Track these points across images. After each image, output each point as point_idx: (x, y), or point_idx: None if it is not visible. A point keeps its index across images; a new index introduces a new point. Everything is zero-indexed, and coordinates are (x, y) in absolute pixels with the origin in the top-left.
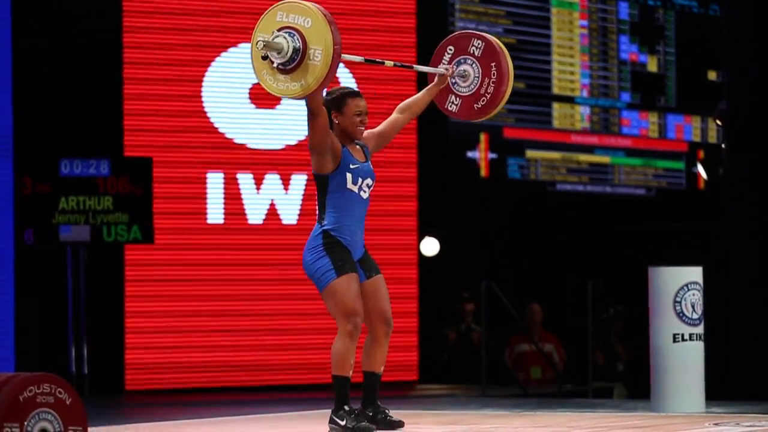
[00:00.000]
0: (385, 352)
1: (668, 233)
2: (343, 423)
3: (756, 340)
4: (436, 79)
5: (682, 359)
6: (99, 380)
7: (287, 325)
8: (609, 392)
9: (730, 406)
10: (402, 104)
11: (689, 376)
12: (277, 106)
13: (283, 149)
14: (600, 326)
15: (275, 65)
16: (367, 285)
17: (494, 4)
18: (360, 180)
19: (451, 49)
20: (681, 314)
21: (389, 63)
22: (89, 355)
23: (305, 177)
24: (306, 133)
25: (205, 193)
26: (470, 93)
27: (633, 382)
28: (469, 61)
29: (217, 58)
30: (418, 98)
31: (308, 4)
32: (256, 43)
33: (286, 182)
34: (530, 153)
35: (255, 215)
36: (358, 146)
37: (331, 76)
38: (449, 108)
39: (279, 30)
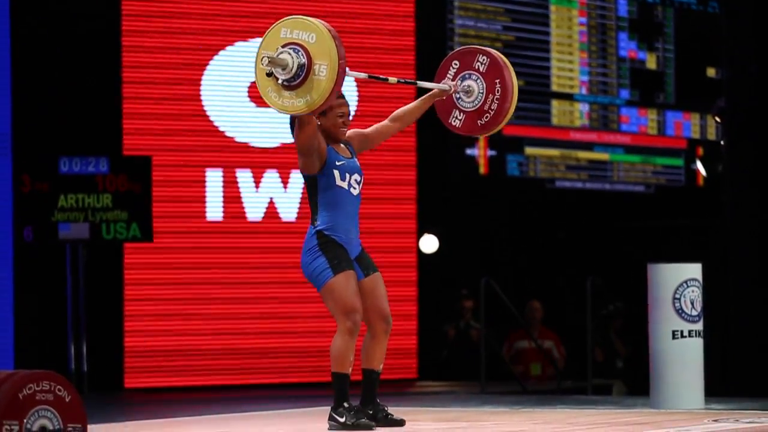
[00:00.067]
0: (384, 349)
1: (667, 230)
2: (342, 420)
3: (755, 336)
4: (434, 90)
5: (681, 356)
6: (98, 377)
7: (286, 324)
8: (608, 389)
9: (729, 402)
10: (395, 113)
11: (688, 372)
12: None
13: (281, 147)
14: (599, 323)
15: (280, 82)
16: (365, 283)
17: (493, 1)
18: (348, 176)
19: (456, 64)
20: (680, 311)
21: (393, 80)
22: (88, 353)
23: None
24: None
25: (205, 192)
26: (474, 109)
27: (632, 378)
28: (473, 77)
29: (216, 57)
30: (412, 109)
31: (312, 19)
32: (261, 60)
33: (285, 180)
34: (529, 150)
35: (254, 213)
36: (342, 144)
37: (336, 91)
38: (453, 123)
39: (283, 46)
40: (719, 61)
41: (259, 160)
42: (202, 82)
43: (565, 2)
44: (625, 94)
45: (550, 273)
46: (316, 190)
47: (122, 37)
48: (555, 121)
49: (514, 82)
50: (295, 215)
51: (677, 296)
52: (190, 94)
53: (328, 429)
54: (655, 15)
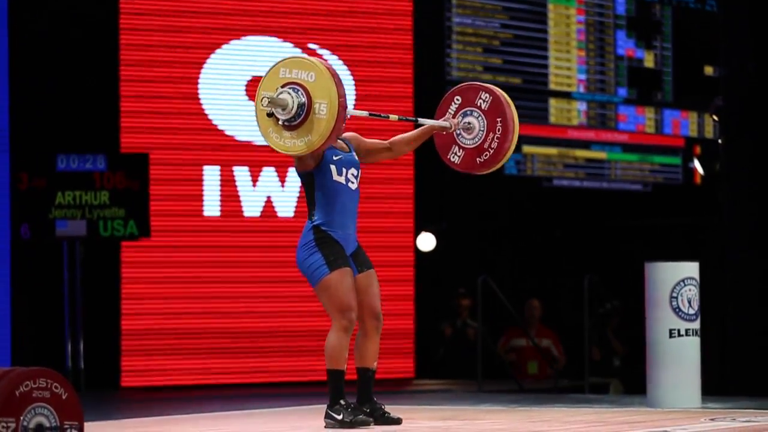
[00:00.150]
0: (377, 347)
1: (665, 229)
2: (339, 417)
3: (752, 335)
4: (433, 123)
5: (678, 354)
6: (95, 375)
7: (285, 323)
8: (605, 388)
9: (726, 401)
10: (393, 139)
11: (685, 371)
12: None
13: None
14: (596, 321)
15: (281, 122)
16: (359, 279)
17: None
18: (344, 170)
19: (458, 100)
20: (677, 309)
21: (393, 117)
22: (85, 350)
23: None
24: None
25: (202, 189)
26: (474, 146)
27: (629, 377)
28: (475, 114)
29: (213, 55)
30: (408, 139)
31: (311, 58)
32: (261, 100)
33: (282, 177)
34: (527, 148)
35: (251, 210)
36: (339, 140)
37: (337, 130)
38: (452, 159)
39: (283, 86)
40: (717, 60)
41: (256, 157)
42: (200, 80)
43: (563, 0)
44: (622, 92)
45: (548, 271)
46: (313, 187)
47: (120, 35)
48: (552, 119)
49: (516, 122)
50: (293, 212)
51: (674, 295)
52: (187, 92)
53: (325, 427)
54: (653, 13)
